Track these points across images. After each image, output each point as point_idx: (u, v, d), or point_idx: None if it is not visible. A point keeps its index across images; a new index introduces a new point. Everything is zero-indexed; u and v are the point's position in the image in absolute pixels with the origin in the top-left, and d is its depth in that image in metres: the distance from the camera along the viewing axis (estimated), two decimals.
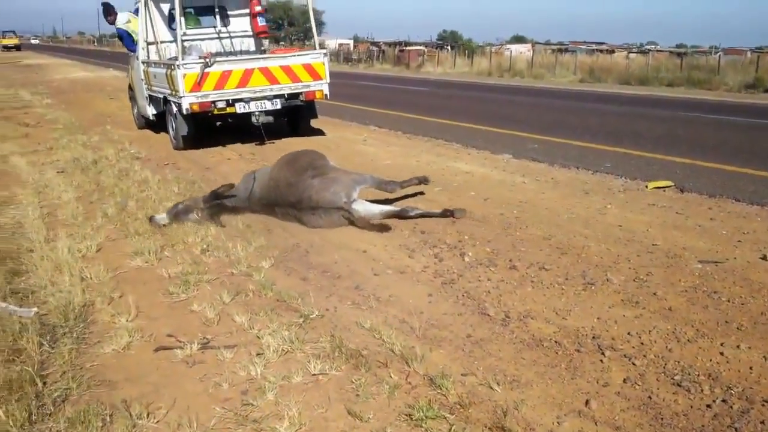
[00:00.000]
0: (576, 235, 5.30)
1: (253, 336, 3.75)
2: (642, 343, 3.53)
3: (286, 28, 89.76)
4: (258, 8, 11.41)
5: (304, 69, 9.98)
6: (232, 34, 11.72)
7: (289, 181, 5.96)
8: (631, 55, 39.95)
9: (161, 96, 10.45)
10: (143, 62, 11.18)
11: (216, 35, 11.62)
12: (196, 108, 9.39)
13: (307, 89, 10.02)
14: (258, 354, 3.50)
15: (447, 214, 5.99)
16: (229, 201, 6.16)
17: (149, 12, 10.87)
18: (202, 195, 6.36)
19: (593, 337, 3.61)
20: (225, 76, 9.51)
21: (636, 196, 6.60)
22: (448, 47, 65.24)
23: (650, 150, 8.96)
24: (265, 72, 9.75)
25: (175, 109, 9.82)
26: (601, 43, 72.86)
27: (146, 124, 12.05)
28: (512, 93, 21.39)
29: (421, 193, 6.83)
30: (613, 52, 52.86)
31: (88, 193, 7.15)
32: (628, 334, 3.63)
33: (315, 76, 10.03)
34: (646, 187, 6.93)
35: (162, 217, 6.00)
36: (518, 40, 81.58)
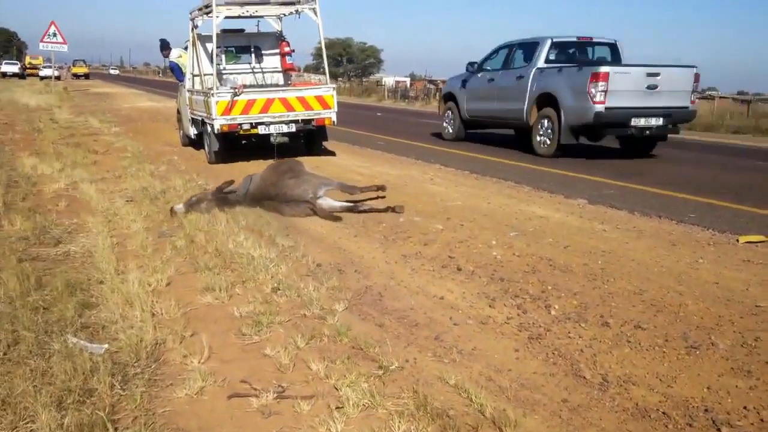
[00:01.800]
0: (670, 292, 4.95)
1: (331, 386, 3.53)
2: (761, 420, 3.19)
3: (344, 65, 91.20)
4: (287, 49, 13.97)
5: (316, 100, 11.94)
6: (264, 70, 14.07)
7: (272, 180, 7.79)
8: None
9: (200, 118, 12.56)
10: (188, 90, 13.45)
11: (251, 70, 13.95)
12: (225, 128, 11.39)
13: (318, 116, 11.97)
14: (337, 408, 3.28)
15: (389, 209, 7.69)
16: (231, 195, 7.85)
17: (196, 49, 12.90)
18: (211, 190, 8.07)
19: (705, 410, 3.27)
20: (250, 103, 11.50)
21: (727, 250, 6.19)
22: None
23: (735, 201, 8.48)
24: (284, 101, 11.72)
25: (209, 129, 11.82)
26: None
27: (189, 142, 14.16)
28: None
29: (383, 197, 8.22)
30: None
31: (156, 223, 7.09)
32: (745, 408, 3.29)
33: (325, 105, 11.94)
34: (737, 241, 6.51)
35: (180, 207, 7.49)
36: None
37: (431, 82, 69.20)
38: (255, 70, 13.99)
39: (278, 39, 14.04)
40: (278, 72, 14.16)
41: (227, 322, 4.45)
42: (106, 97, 36.16)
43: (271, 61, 14.10)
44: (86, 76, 72.90)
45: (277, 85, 13.34)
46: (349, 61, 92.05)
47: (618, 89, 11.97)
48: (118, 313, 4.40)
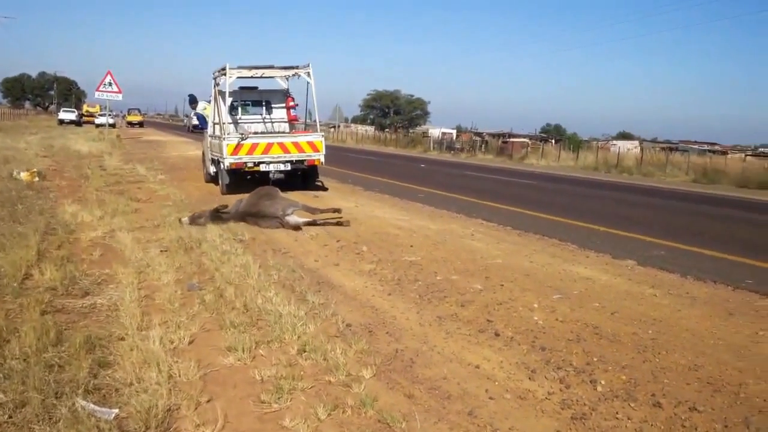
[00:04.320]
0: (728, 368, 4.52)
1: None
2: None
3: (391, 116, 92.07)
4: (292, 103, 16.79)
5: (308, 144, 14.57)
6: (273, 120, 16.86)
7: (253, 202, 10.39)
8: (748, 158, 38.48)
9: (216, 158, 15.22)
10: (210, 136, 16.33)
11: (262, 120, 16.79)
12: (233, 166, 14.08)
13: (309, 158, 14.63)
14: None
15: (338, 223, 10.27)
16: (224, 214, 10.19)
17: (217, 103, 15.54)
18: (209, 209, 10.35)
19: None
20: (254, 146, 14.17)
21: None
22: (552, 140, 64.84)
23: None
24: (281, 145, 14.39)
25: (222, 166, 14.46)
26: (713, 144, 70.58)
27: (210, 179, 16.69)
28: (624, 191, 20.52)
29: (339, 217, 10.49)
30: (725, 153, 51.00)
31: (188, 275, 6.91)
32: None
33: (315, 149, 14.58)
34: None
35: (185, 219, 9.94)
36: (624, 136, 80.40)
37: (477, 134, 69.26)
38: (266, 120, 16.85)
39: (285, 95, 16.90)
40: (285, 122, 16.91)
41: (247, 387, 4.18)
42: (157, 145, 36.82)
43: (279, 113, 16.92)
44: (140, 124, 74.67)
45: (282, 133, 15.99)
46: (396, 113, 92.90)
47: None
48: (134, 373, 4.18)
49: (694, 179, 27.56)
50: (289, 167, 14.53)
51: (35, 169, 15.72)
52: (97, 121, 58.94)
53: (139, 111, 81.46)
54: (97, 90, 32.37)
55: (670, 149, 48.28)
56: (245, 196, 10.99)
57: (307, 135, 15.16)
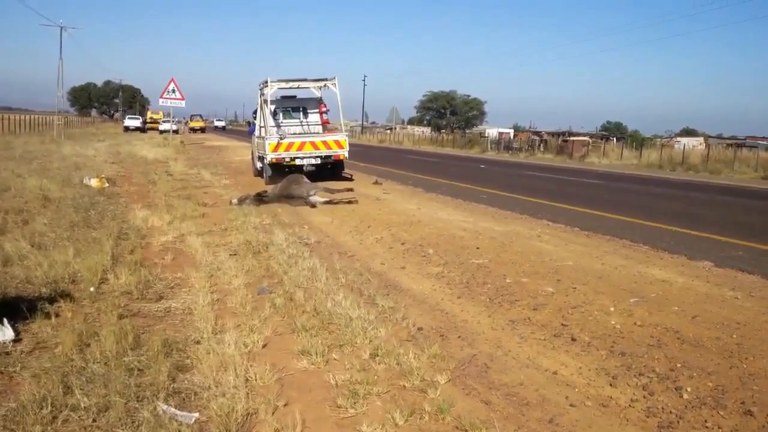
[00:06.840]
0: None
1: None
2: None
3: (448, 117, 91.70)
4: (324, 109, 20.04)
5: (335, 143, 17.60)
6: (309, 123, 20.06)
7: (285, 186, 13.28)
8: None
9: (261, 155, 18.20)
10: (256, 137, 19.70)
11: (299, 124, 19.98)
12: (274, 160, 17.21)
13: (335, 153, 17.65)
14: None
15: (350, 202, 12.95)
16: (265, 197, 12.98)
17: (262, 110, 19.12)
18: (253, 193, 13.15)
19: None
20: (290, 144, 17.25)
21: None
22: (614, 139, 63.45)
23: None
24: (312, 143, 17.48)
25: (265, 161, 17.56)
26: None
27: (257, 173, 19.56)
28: (692, 189, 19.92)
29: (353, 197, 13.38)
30: None
31: (257, 279, 6.98)
32: None
33: (340, 146, 17.60)
34: None
35: (235, 201, 12.56)
36: (688, 133, 78.15)
37: (536, 133, 68.30)
38: (302, 124, 20.00)
39: (318, 102, 20.08)
40: (319, 125, 20.06)
41: (322, 392, 4.17)
42: (219, 150, 37.49)
43: (314, 117, 20.12)
44: (202, 129, 76.20)
45: (313, 133, 19.05)
46: (452, 113, 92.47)
47: None
48: (212, 377, 4.22)
49: (764, 176, 26.61)
50: (319, 161, 17.60)
51: (104, 176, 16.20)
52: (161, 127, 60.45)
53: (201, 117, 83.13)
54: (161, 97, 33.10)
55: (737, 145, 46.71)
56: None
57: (334, 135, 18.18)
